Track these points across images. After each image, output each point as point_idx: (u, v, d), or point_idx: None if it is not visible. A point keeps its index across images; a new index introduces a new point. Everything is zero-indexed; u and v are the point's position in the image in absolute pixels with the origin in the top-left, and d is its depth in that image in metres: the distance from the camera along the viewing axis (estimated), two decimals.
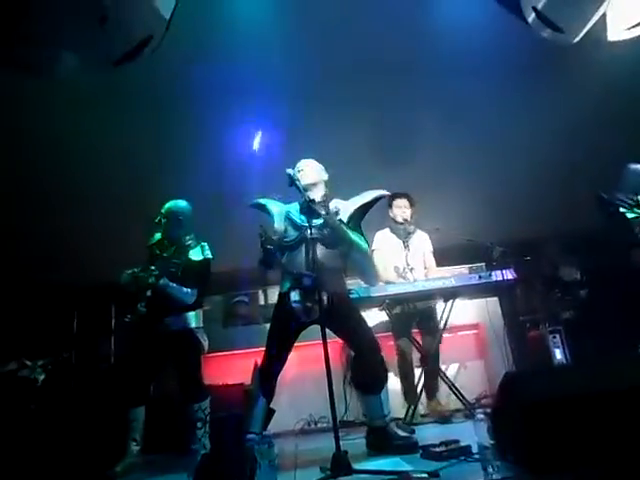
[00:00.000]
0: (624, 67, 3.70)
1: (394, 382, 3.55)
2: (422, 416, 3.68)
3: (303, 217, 2.67)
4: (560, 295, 4.64)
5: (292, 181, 2.56)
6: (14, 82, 3.27)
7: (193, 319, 3.07)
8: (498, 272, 3.56)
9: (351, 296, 2.98)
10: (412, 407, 3.55)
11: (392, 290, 3.50)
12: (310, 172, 2.80)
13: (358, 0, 3.62)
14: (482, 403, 3.74)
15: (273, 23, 3.49)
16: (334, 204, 2.79)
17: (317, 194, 2.75)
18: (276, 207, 2.84)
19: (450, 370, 4.09)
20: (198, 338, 3.06)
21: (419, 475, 1.83)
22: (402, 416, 3.55)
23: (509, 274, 3.57)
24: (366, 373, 2.61)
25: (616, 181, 3.24)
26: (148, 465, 2.95)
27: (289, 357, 2.70)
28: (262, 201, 2.89)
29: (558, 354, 3.92)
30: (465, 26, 3.58)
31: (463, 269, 4.54)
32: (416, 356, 3.73)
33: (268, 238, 2.55)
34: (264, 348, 2.70)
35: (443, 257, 4.10)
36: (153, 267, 2.98)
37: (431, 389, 3.67)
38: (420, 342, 3.74)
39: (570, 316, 4.42)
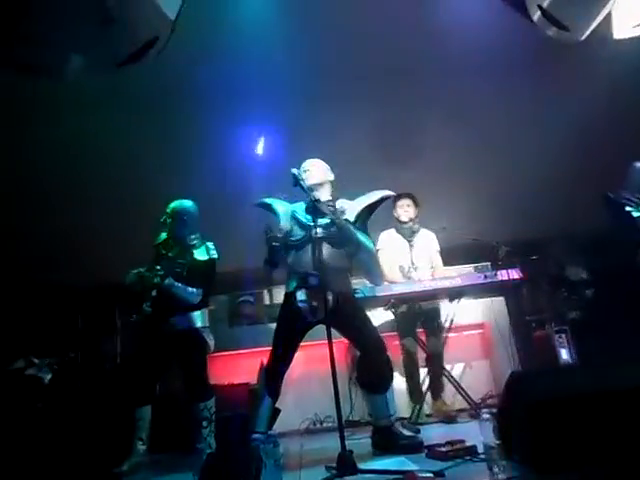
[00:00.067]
0: (630, 65, 3.68)
1: (399, 382, 3.55)
2: (427, 416, 3.67)
3: (309, 217, 2.67)
4: (566, 295, 4.62)
5: (297, 181, 2.56)
6: (20, 83, 3.30)
7: (199, 319, 3.08)
8: (504, 271, 3.54)
9: (356, 296, 2.98)
10: (417, 407, 3.55)
11: (397, 290, 3.50)
12: (316, 172, 2.80)
13: (363, 0, 3.62)
14: (487, 403, 3.73)
15: (278, 24, 3.49)
16: (340, 204, 2.79)
17: (323, 194, 2.74)
18: (282, 206, 2.84)
19: (455, 370, 4.08)
20: (203, 337, 3.07)
21: (425, 475, 1.83)
22: (407, 416, 3.55)
23: (515, 274, 3.55)
24: (372, 373, 2.61)
25: (622, 180, 3.22)
26: (154, 464, 2.96)
27: (295, 357, 2.70)
28: (268, 200, 2.88)
29: (564, 354, 3.90)
30: (470, 25, 3.56)
31: (469, 268, 4.52)
32: (421, 356, 3.73)
33: (274, 236, 2.55)
34: (269, 348, 2.70)
35: (449, 256, 4.09)
36: (158, 267, 2.99)
37: (436, 389, 3.66)
38: (425, 342, 3.73)
39: (576, 316, 4.40)
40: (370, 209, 2.82)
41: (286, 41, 3.60)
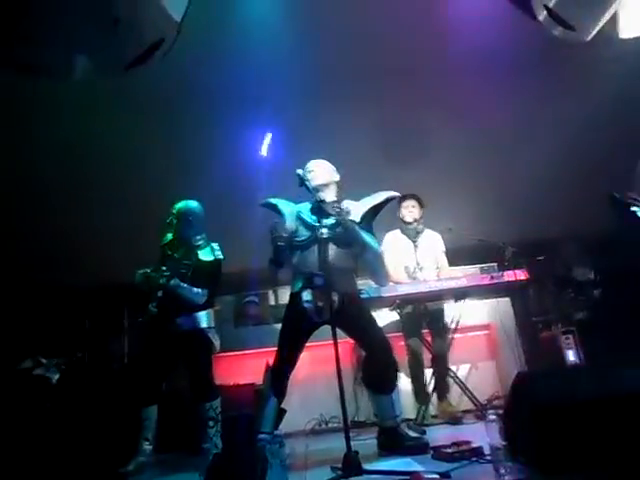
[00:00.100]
0: (637, 65, 3.66)
1: (405, 382, 3.54)
2: (433, 417, 3.67)
3: (314, 217, 2.67)
4: (573, 295, 4.60)
5: (302, 181, 2.56)
6: (27, 84, 3.32)
7: (204, 319, 3.09)
8: (510, 272, 3.53)
9: (362, 296, 2.98)
10: (423, 408, 3.54)
11: (403, 290, 3.50)
12: (321, 173, 2.80)
13: (368, 1, 3.62)
14: (493, 404, 3.72)
15: (282, 25, 3.50)
16: (345, 205, 2.79)
17: (328, 195, 2.74)
18: (287, 207, 2.84)
19: (461, 371, 4.06)
20: (209, 338, 3.08)
21: (431, 476, 1.82)
22: (413, 417, 3.54)
23: (521, 274, 3.54)
24: (377, 373, 2.60)
25: (628, 180, 3.20)
26: (160, 464, 2.97)
27: (300, 357, 2.70)
28: (273, 201, 2.89)
29: (571, 355, 3.88)
30: (476, 24, 3.55)
31: (475, 269, 4.51)
32: (427, 356, 3.72)
33: (279, 235, 2.56)
34: (275, 348, 2.70)
35: (455, 257, 4.08)
36: (164, 267, 3.01)
37: (442, 390, 3.65)
38: (431, 342, 3.73)
39: (583, 317, 4.38)
40: (375, 210, 2.82)
41: (291, 42, 3.61)
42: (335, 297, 2.50)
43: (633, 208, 2.91)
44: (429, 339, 3.75)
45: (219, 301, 4.02)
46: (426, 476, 1.81)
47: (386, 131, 4.43)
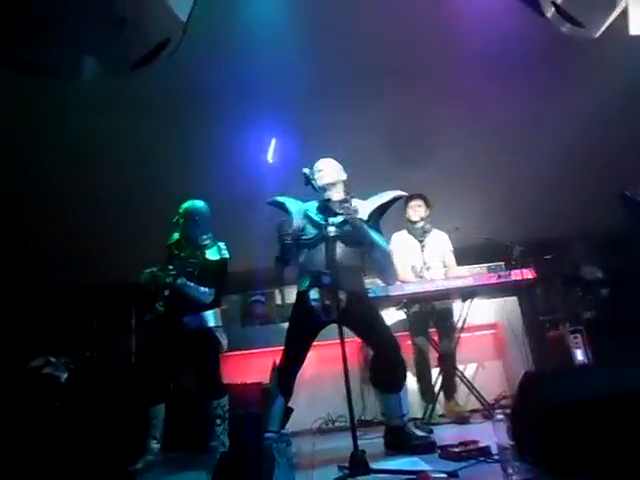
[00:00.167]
0: None
1: (412, 382, 3.53)
2: (440, 416, 3.66)
3: (321, 216, 2.67)
4: (581, 294, 4.57)
5: (308, 180, 2.56)
6: (33, 84, 3.35)
7: (211, 318, 3.10)
8: (517, 271, 3.51)
9: (369, 295, 2.97)
10: (430, 407, 3.53)
11: (410, 289, 3.49)
12: (329, 172, 2.79)
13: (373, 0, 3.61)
14: (501, 404, 3.70)
15: (288, 25, 3.50)
16: (353, 204, 2.78)
17: (335, 194, 2.74)
18: (294, 205, 2.84)
19: (468, 370, 4.05)
20: (216, 336, 3.09)
21: (438, 475, 1.82)
22: (420, 416, 3.54)
23: (529, 273, 3.52)
24: (385, 372, 2.60)
25: (638, 178, 3.17)
26: (168, 462, 2.99)
27: (307, 356, 2.70)
28: (280, 199, 2.88)
29: (579, 355, 3.85)
30: (485, 22, 3.53)
31: (482, 268, 4.49)
32: (434, 356, 3.71)
33: (286, 233, 2.56)
34: (281, 347, 2.70)
35: (462, 256, 4.06)
36: (171, 267, 3.02)
37: (449, 389, 3.64)
38: (438, 341, 3.72)
39: (591, 316, 4.35)
40: (382, 209, 2.81)
41: (296, 42, 3.60)
42: (342, 296, 2.50)
43: None
44: (436, 338, 3.74)
45: (226, 300, 4.03)
46: (433, 475, 1.80)
47: (393, 130, 4.42)
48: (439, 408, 3.66)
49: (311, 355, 2.73)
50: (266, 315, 5.02)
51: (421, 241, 3.85)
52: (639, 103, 3.98)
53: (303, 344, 2.67)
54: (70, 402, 3.43)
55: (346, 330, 2.31)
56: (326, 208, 2.56)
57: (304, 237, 2.70)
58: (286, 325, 2.78)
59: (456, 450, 2.14)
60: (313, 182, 2.58)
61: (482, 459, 2.01)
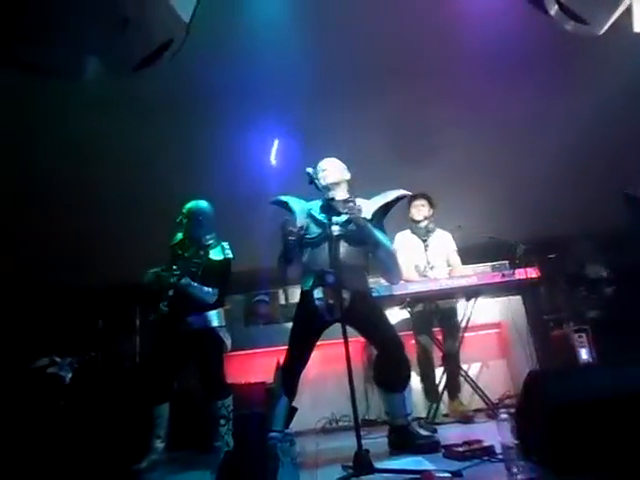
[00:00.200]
0: None
1: (415, 381, 3.53)
2: (444, 416, 3.65)
3: (325, 215, 2.66)
4: (586, 293, 4.54)
5: (311, 180, 2.56)
6: (35, 85, 3.35)
7: (215, 318, 3.10)
8: (521, 270, 3.50)
9: (372, 294, 2.97)
10: (434, 406, 3.53)
11: (413, 288, 3.48)
12: (333, 171, 2.80)
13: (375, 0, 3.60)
14: (505, 403, 3.69)
15: (291, 26, 3.50)
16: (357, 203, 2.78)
17: (339, 193, 2.74)
18: (298, 204, 2.83)
19: (472, 369, 4.04)
20: (220, 336, 3.09)
21: (442, 474, 1.82)
22: (424, 416, 3.53)
23: (533, 272, 3.51)
24: (389, 371, 2.59)
25: None
26: (172, 461, 2.99)
27: (311, 356, 2.70)
28: (284, 198, 2.88)
29: (584, 354, 3.83)
30: (487, 21, 3.52)
31: (486, 267, 4.48)
32: (438, 355, 3.71)
33: (290, 231, 2.56)
34: (285, 347, 2.71)
35: (466, 255, 4.05)
36: (175, 267, 3.02)
37: (453, 388, 3.64)
38: (441, 341, 3.71)
39: (596, 315, 4.33)
40: (385, 209, 2.81)
41: (299, 42, 3.60)
42: (346, 295, 2.50)
43: None
44: (440, 337, 3.74)
45: (229, 300, 4.04)
46: (437, 475, 1.80)
47: (396, 130, 4.41)
48: (443, 407, 3.65)
49: (315, 355, 2.73)
50: (270, 315, 5.02)
51: (424, 240, 3.84)
52: None
53: (307, 343, 2.67)
54: (75, 402, 3.45)
55: (350, 330, 2.31)
56: (330, 207, 2.55)
57: (308, 236, 2.70)
58: (290, 325, 2.79)
59: (460, 449, 2.14)
60: (317, 181, 2.57)
61: (486, 458, 2.01)
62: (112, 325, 5.14)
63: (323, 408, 3.91)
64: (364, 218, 2.63)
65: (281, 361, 2.71)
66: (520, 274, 3.48)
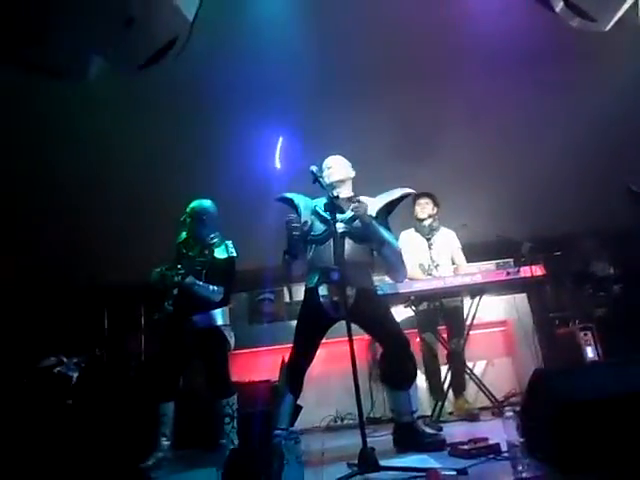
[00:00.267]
0: None
1: (420, 379, 3.52)
2: (449, 414, 3.65)
3: (329, 212, 2.66)
4: (592, 291, 4.52)
5: (316, 178, 2.56)
6: (40, 84, 3.37)
7: (219, 316, 3.11)
8: (526, 268, 3.49)
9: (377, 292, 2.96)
10: (439, 404, 3.52)
11: (417, 286, 3.48)
12: (339, 169, 2.80)
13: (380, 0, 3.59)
14: (510, 401, 3.69)
15: (295, 25, 3.50)
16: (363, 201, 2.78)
17: (344, 191, 2.74)
18: (303, 201, 2.83)
19: (478, 368, 4.03)
20: (224, 335, 3.10)
21: (447, 472, 1.81)
22: (429, 414, 3.53)
23: (538, 270, 3.49)
24: (396, 368, 2.59)
25: None
26: (178, 459, 3.00)
27: (316, 354, 2.70)
28: (289, 195, 2.88)
29: (590, 352, 3.81)
30: (492, 21, 3.51)
31: (491, 265, 4.47)
32: (443, 353, 3.70)
33: (294, 226, 2.56)
34: (289, 345, 2.71)
35: (471, 253, 4.04)
36: (180, 266, 3.03)
37: (458, 387, 3.63)
38: (446, 339, 3.70)
39: (602, 313, 4.30)
40: (389, 207, 2.80)
41: (302, 42, 3.60)
42: (351, 292, 2.50)
43: None
44: (445, 335, 3.73)
45: (233, 298, 4.04)
46: (443, 473, 1.80)
47: (401, 129, 4.40)
48: (448, 405, 3.65)
49: (319, 353, 2.73)
50: (274, 313, 5.02)
51: (428, 239, 3.84)
52: None
53: (312, 341, 2.67)
54: (81, 400, 3.47)
55: (354, 327, 2.31)
56: (334, 205, 2.55)
57: (312, 233, 2.70)
58: (294, 323, 2.78)
59: (466, 447, 2.13)
60: (321, 180, 2.57)
61: (492, 456, 2.00)
62: (118, 324, 5.17)
63: (328, 406, 3.92)
64: (370, 215, 2.63)
65: (286, 359, 2.71)
66: (525, 272, 3.47)
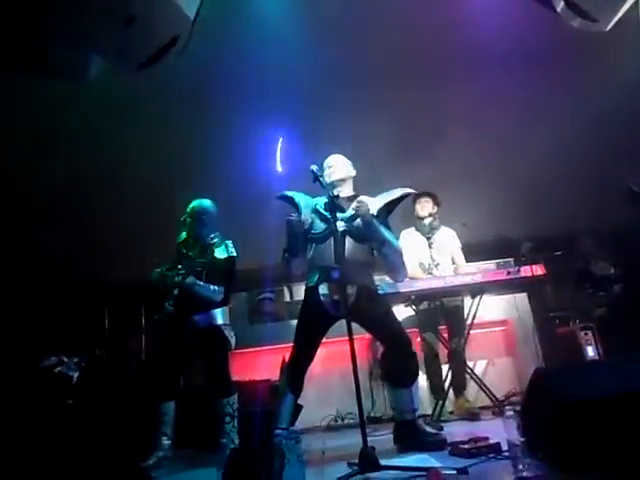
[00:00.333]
0: None
1: (421, 378, 3.52)
2: (450, 413, 3.65)
3: (330, 211, 2.65)
4: (592, 291, 4.52)
5: (316, 177, 2.56)
6: (50, 84, 3.37)
7: (220, 316, 3.11)
8: (527, 267, 3.49)
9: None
10: (440, 403, 3.53)
11: (418, 286, 3.48)
12: (340, 168, 2.80)
13: (378, 3, 3.59)
14: (511, 400, 3.69)
15: (297, 27, 3.50)
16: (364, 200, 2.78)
17: (345, 190, 2.75)
18: (303, 200, 2.83)
19: (478, 367, 4.04)
20: (225, 334, 3.10)
21: (448, 472, 1.82)
22: (429, 413, 3.53)
23: (538, 269, 3.49)
24: (397, 366, 2.59)
25: None
26: (179, 458, 3.01)
27: (316, 353, 2.70)
28: (289, 193, 2.88)
29: (590, 351, 3.81)
30: (490, 21, 3.51)
31: (491, 264, 4.47)
32: (443, 353, 3.70)
33: (295, 224, 2.56)
34: (290, 344, 2.71)
35: (471, 253, 4.05)
36: (180, 266, 3.03)
37: (459, 386, 3.63)
38: (447, 338, 3.70)
39: (603, 312, 4.30)
40: (389, 207, 2.80)
41: (304, 41, 3.60)
42: (351, 290, 2.50)
43: None
44: (445, 335, 3.73)
45: (234, 298, 4.05)
46: (443, 472, 1.80)
47: (401, 129, 4.40)
48: (449, 405, 3.65)
49: (320, 352, 2.73)
50: (275, 312, 5.02)
51: (429, 238, 3.84)
52: None
53: (312, 340, 2.67)
54: (82, 400, 3.47)
55: (355, 327, 2.31)
56: (335, 204, 2.55)
57: (313, 232, 2.70)
58: (295, 322, 2.78)
59: (466, 447, 2.13)
60: (321, 179, 2.57)
61: (492, 456, 2.00)
62: (118, 324, 5.17)
63: (328, 405, 3.92)
64: (371, 214, 2.63)
65: (287, 358, 2.71)
66: (526, 271, 3.47)
